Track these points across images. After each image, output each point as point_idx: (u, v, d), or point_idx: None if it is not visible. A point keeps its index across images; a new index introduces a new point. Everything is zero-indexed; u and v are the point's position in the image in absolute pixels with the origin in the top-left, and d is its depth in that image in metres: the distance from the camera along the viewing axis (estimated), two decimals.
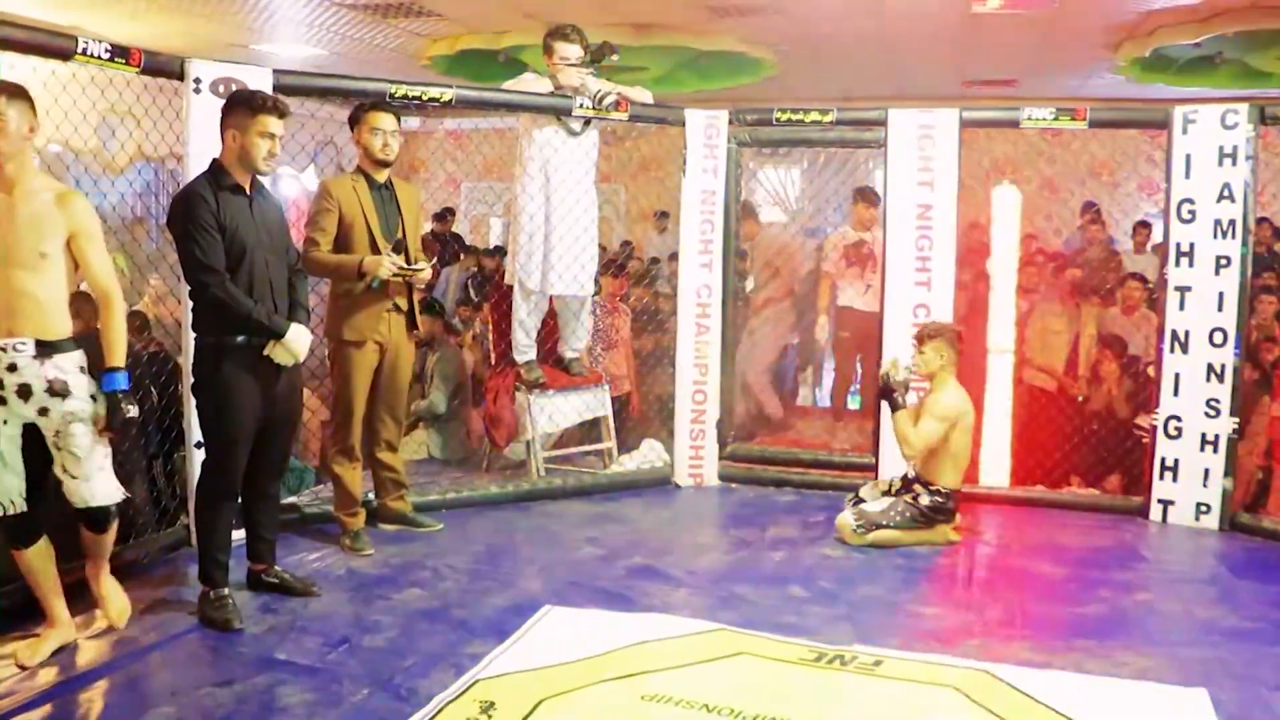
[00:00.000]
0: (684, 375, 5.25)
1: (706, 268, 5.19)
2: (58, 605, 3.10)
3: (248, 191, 3.37)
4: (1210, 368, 4.56)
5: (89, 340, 3.09)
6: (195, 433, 3.80)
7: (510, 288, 5.12)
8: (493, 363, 5.67)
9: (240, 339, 3.32)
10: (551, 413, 5.22)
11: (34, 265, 2.92)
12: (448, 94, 4.57)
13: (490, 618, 3.43)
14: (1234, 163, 4.52)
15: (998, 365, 5.14)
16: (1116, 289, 6.16)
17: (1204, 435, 4.58)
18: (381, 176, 4.17)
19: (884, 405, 4.49)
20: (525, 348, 5.14)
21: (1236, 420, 4.56)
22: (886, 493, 4.47)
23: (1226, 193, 4.53)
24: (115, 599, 3.27)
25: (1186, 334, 4.61)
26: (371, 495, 4.39)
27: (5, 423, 2.96)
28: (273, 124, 3.31)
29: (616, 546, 4.25)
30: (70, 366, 3.00)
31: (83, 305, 3.46)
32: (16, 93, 2.94)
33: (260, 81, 3.97)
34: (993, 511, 4.88)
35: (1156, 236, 7.34)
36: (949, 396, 4.32)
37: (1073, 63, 9.21)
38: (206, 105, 3.84)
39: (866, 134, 5.10)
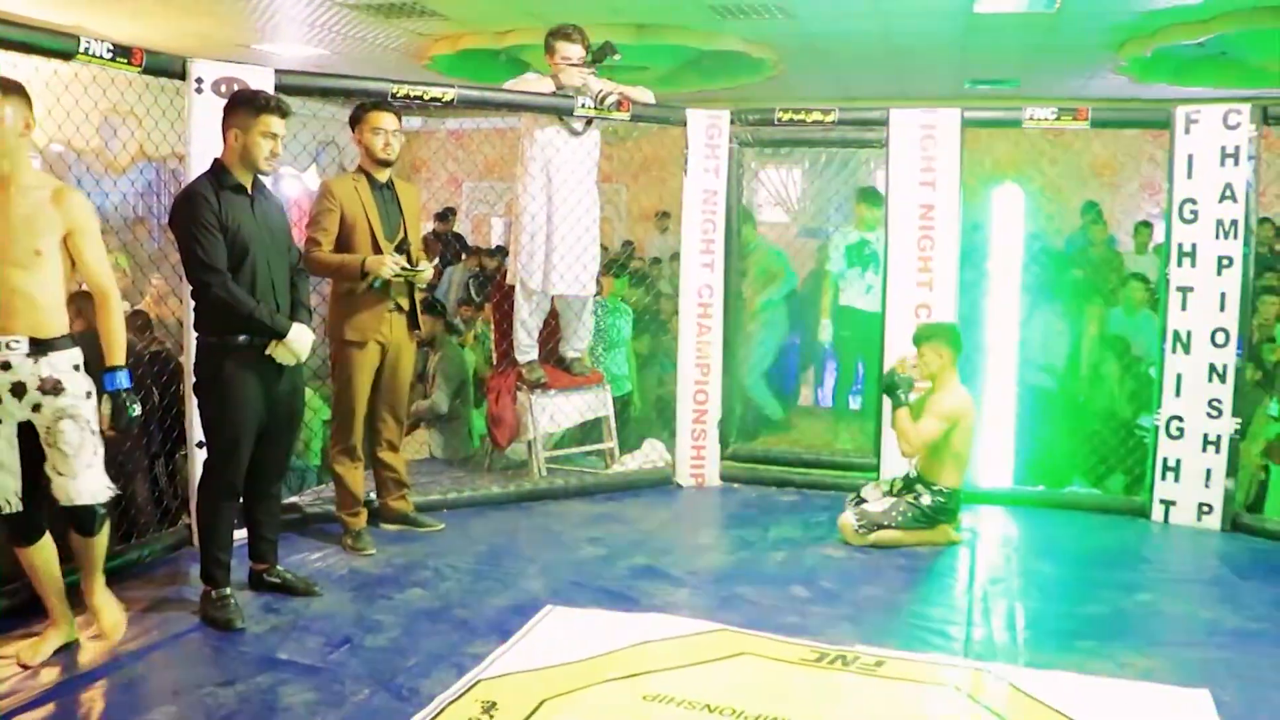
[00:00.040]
0: (686, 375, 5.25)
1: (708, 268, 5.19)
2: (60, 604, 3.09)
3: (249, 191, 3.37)
4: (1212, 368, 4.56)
5: (91, 339, 3.08)
6: (197, 432, 3.80)
7: (512, 287, 5.12)
8: (494, 362, 5.67)
9: (242, 339, 3.32)
10: (553, 413, 5.22)
11: (29, 263, 2.88)
12: (449, 94, 4.56)
13: (492, 618, 3.43)
14: (1236, 163, 4.51)
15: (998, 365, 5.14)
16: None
17: (1206, 436, 4.57)
18: (383, 176, 4.17)
19: (886, 401, 4.49)
20: (527, 347, 5.14)
21: (1239, 420, 4.56)
22: (888, 493, 4.47)
23: (1229, 193, 4.52)
24: (109, 611, 3.17)
25: (1189, 334, 4.61)
26: (373, 495, 4.39)
27: (1, 422, 2.95)
28: (275, 124, 3.31)
29: (618, 546, 4.25)
30: (64, 365, 2.96)
31: (84, 304, 3.45)
32: (11, 89, 2.90)
33: (262, 81, 3.97)
34: (995, 511, 4.87)
35: (1158, 236, 7.34)
36: (950, 396, 4.31)
37: (1075, 63, 9.21)
38: (208, 105, 3.83)
39: (868, 134, 5.10)
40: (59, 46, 3.46)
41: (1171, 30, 7.81)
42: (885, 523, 4.30)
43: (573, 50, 4.87)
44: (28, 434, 2.98)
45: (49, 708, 2.77)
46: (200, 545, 3.47)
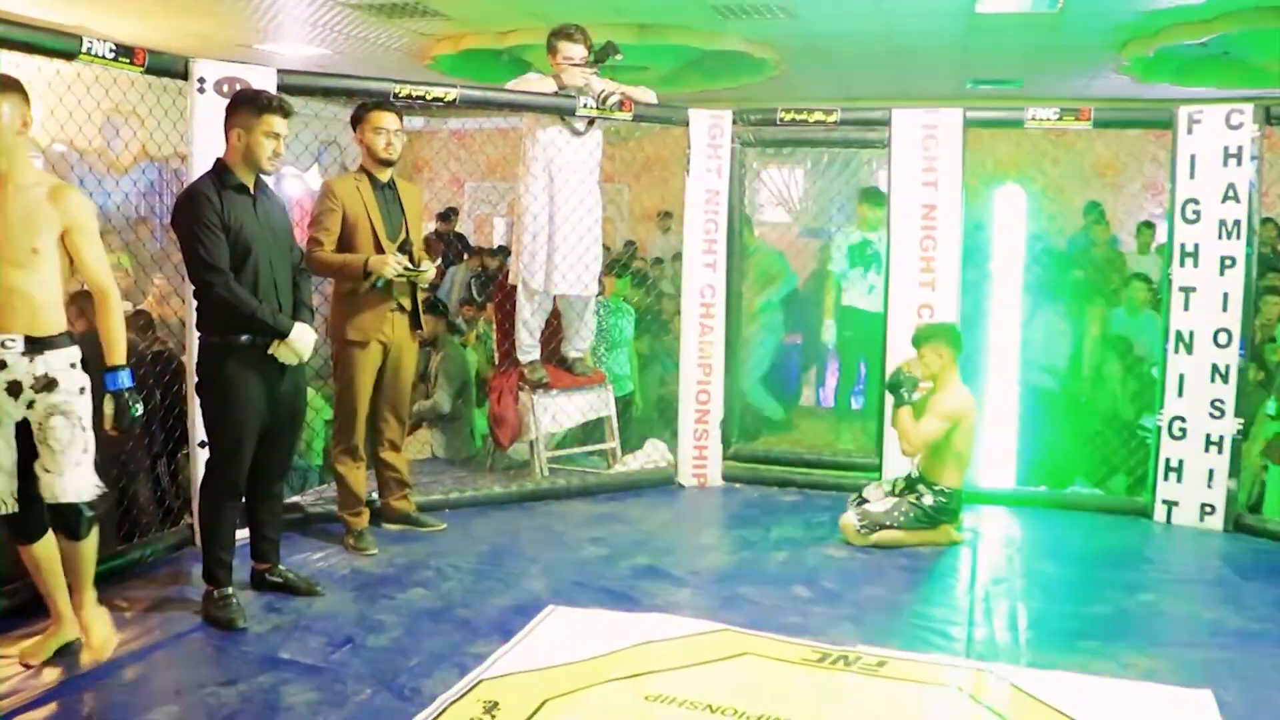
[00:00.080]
0: (688, 375, 5.25)
1: (710, 268, 5.19)
2: (63, 603, 3.07)
3: (252, 191, 3.37)
4: (1215, 368, 4.55)
5: (93, 339, 3.06)
6: (199, 432, 3.80)
7: (514, 287, 5.12)
8: (496, 362, 5.67)
9: (245, 338, 3.32)
10: (555, 413, 5.22)
11: (26, 261, 2.85)
12: (452, 94, 4.57)
13: (494, 617, 3.43)
14: (1239, 163, 4.51)
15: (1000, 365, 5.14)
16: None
17: (1208, 436, 4.57)
18: (384, 176, 4.17)
19: (889, 400, 4.49)
20: (529, 347, 5.14)
21: (1241, 421, 4.56)
22: (890, 493, 4.46)
23: (1231, 193, 4.52)
24: (99, 627, 3.06)
25: (1191, 335, 4.60)
26: (375, 495, 4.40)
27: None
28: (277, 123, 3.31)
29: (620, 546, 4.25)
30: (60, 363, 2.93)
31: (86, 304, 3.44)
32: (7, 85, 2.88)
33: (264, 81, 3.97)
34: (997, 512, 4.87)
35: (1161, 237, 7.34)
36: (952, 395, 4.31)
37: (1077, 63, 9.20)
38: (211, 105, 3.83)
39: (870, 134, 5.10)
40: (62, 46, 3.47)
41: (1174, 30, 7.81)
42: (887, 523, 4.30)
43: (575, 50, 4.87)
44: (26, 434, 2.96)
45: (51, 707, 2.77)
46: (202, 545, 3.47)
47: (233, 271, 3.28)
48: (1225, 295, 4.53)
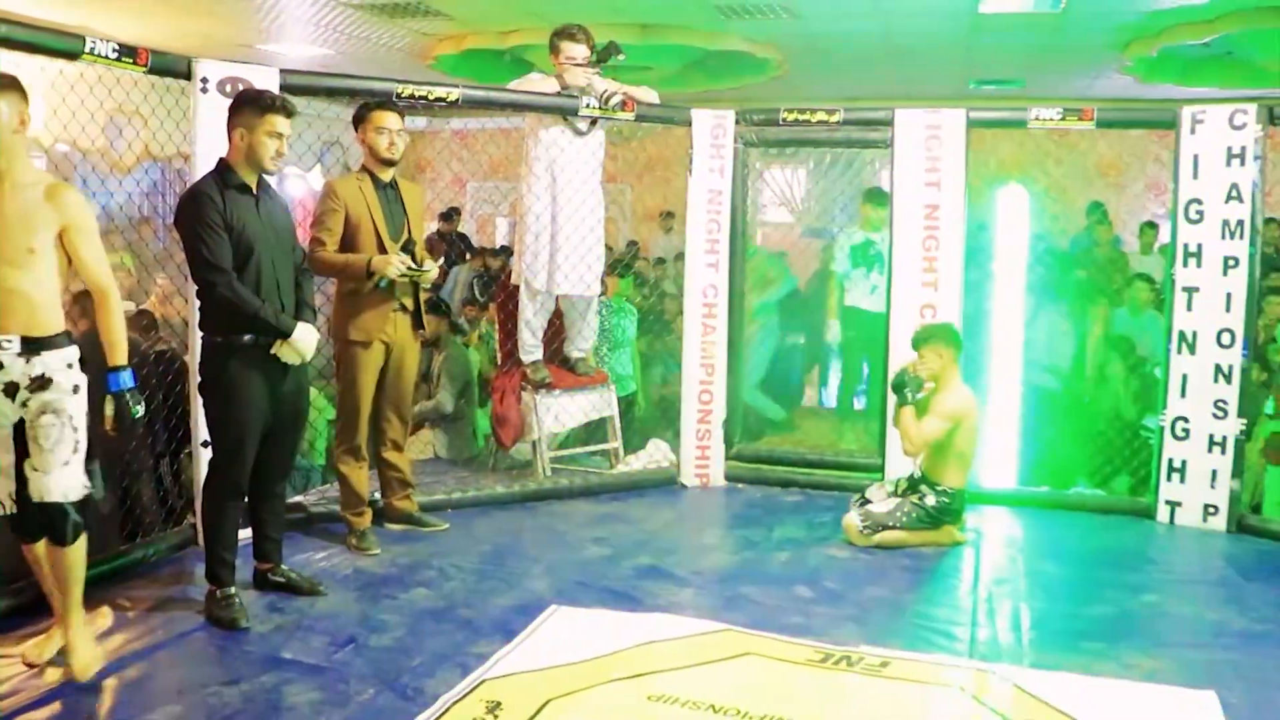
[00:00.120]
0: (690, 375, 5.25)
1: (713, 268, 5.18)
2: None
3: (254, 191, 3.38)
4: (1218, 368, 4.55)
5: (95, 339, 3.05)
6: (202, 432, 3.80)
7: (516, 287, 5.12)
8: (499, 362, 5.67)
9: (247, 338, 3.32)
10: (558, 413, 5.21)
11: (22, 261, 2.82)
12: (454, 94, 4.56)
13: (496, 617, 3.43)
14: (1242, 163, 4.50)
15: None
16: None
17: (1211, 436, 4.56)
18: (387, 176, 4.17)
19: (891, 400, 4.49)
20: (531, 347, 5.14)
21: (1244, 421, 4.55)
22: (893, 493, 4.46)
23: (1234, 193, 4.51)
24: (82, 651, 2.92)
25: (1194, 335, 4.60)
26: (378, 495, 4.40)
27: None
28: (280, 123, 3.31)
29: (623, 546, 4.25)
30: (57, 363, 2.89)
31: (88, 304, 3.43)
32: (6, 83, 2.85)
33: (267, 81, 3.97)
34: (999, 512, 4.87)
35: (1164, 237, 7.32)
36: (953, 395, 4.31)
37: (1080, 63, 9.19)
38: (213, 105, 3.84)
39: (873, 134, 5.09)
40: (64, 47, 3.47)
41: (1177, 30, 7.80)
42: (890, 523, 4.29)
43: (577, 50, 4.86)
44: (24, 435, 2.94)
45: (54, 706, 2.78)
46: (205, 544, 3.48)
47: (235, 271, 3.28)
48: (1228, 295, 4.52)
